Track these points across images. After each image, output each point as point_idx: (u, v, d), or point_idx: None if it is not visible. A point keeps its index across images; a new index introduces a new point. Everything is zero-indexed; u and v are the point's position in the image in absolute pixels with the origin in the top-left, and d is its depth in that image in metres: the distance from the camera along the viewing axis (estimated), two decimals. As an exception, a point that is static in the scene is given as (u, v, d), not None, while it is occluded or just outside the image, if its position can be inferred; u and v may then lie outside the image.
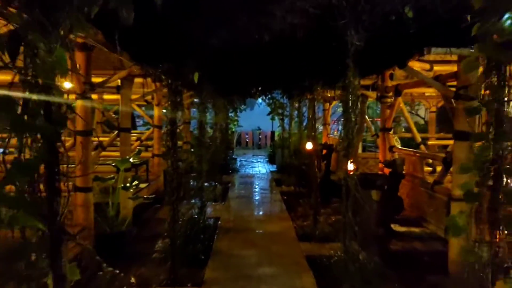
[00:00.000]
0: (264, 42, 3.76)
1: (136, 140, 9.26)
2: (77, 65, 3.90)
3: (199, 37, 3.77)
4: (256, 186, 10.02)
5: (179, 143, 12.40)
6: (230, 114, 14.58)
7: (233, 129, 17.77)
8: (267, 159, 15.74)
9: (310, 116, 10.91)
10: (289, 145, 11.87)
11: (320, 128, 17.72)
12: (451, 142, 7.32)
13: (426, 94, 9.71)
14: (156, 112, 8.08)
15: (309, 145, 10.55)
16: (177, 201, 4.06)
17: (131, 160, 5.31)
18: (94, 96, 8.69)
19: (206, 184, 9.72)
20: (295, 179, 9.72)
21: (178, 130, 4.13)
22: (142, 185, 6.57)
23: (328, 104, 10.84)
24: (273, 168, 13.38)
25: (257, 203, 8.14)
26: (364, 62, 3.55)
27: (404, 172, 5.47)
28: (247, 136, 21.82)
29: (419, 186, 5.89)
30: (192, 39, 3.79)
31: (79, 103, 4.03)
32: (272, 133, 17.58)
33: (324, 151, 9.55)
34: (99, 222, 4.55)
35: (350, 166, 6.87)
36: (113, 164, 5.23)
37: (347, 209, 3.66)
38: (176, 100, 4.13)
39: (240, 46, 4.33)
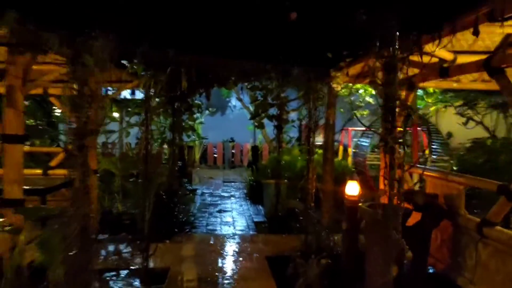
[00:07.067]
0: None
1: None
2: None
3: None
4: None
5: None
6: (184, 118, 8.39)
7: (193, 142, 11.58)
8: (245, 191, 9.79)
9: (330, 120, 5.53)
10: (295, 175, 6.01)
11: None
12: None
13: None
14: None
15: (352, 189, 4.67)
16: None
17: None
18: None
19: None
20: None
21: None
22: None
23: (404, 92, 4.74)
24: (258, 215, 7.48)
25: None
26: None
27: None
28: (215, 150, 15.76)
29: None
30: None
31: None
32: (255, 148, 11.60)
33: (416, 215, 3.62)
34: None
35: None
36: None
37: None
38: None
39: None
